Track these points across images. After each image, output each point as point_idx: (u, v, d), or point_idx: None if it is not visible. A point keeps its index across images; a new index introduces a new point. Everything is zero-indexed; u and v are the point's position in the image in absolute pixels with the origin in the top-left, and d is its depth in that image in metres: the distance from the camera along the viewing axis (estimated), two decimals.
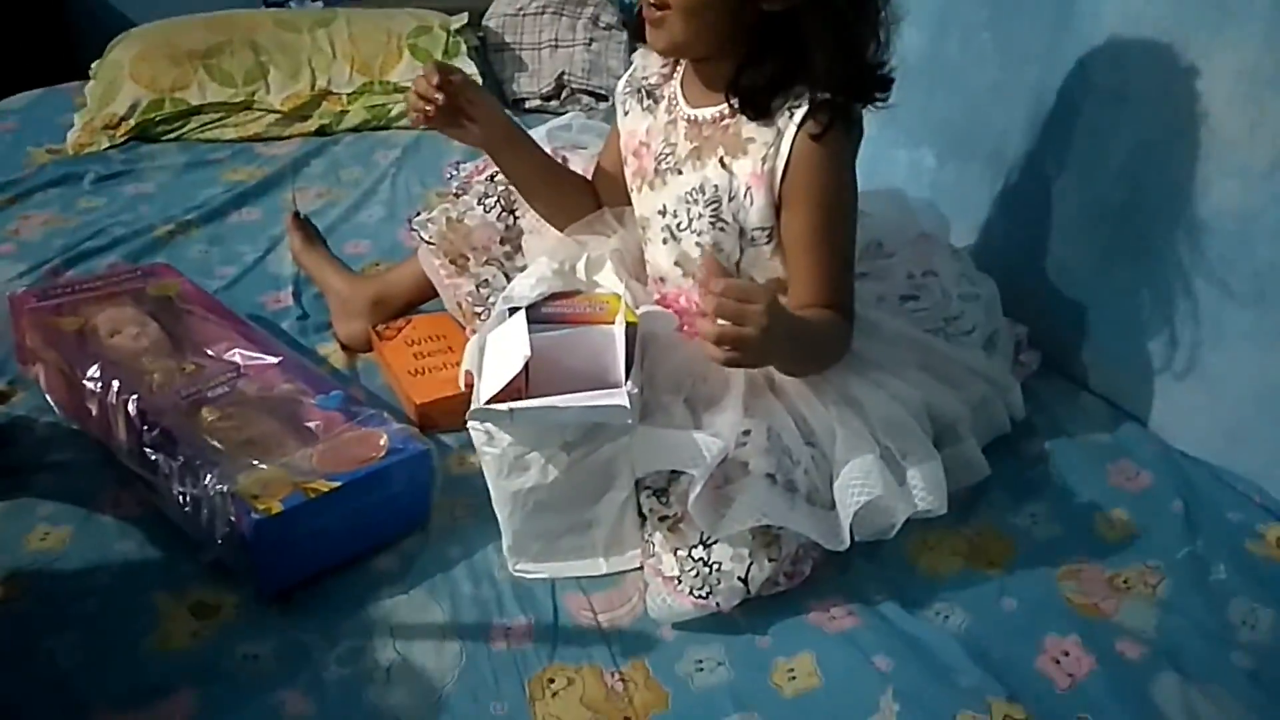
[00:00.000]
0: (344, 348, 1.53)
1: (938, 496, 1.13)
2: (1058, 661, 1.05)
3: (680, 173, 1.22)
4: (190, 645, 1.06)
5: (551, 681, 1.03)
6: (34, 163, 2.11)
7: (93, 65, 2.34)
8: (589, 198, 1.40)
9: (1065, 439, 1.36)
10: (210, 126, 2.24)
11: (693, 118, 1.22)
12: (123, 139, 2.19)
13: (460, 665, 1.04)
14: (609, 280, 1.22)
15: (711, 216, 1.19)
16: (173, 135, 2.23)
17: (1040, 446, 1.35)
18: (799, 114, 1.13)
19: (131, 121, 2.20)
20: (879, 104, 1.16)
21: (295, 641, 1.06)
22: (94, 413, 1.25)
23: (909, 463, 1.14)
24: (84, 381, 1.25)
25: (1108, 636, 1.08)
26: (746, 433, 1.11)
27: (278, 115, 2.26)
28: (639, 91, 1.30)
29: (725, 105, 1.18)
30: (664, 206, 1.24)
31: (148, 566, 1.16)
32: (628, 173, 1.31)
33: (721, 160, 1.18)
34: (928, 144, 1.74)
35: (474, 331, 1.35)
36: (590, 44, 2.49)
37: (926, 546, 1.19)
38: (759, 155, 1.15)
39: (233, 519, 1.08)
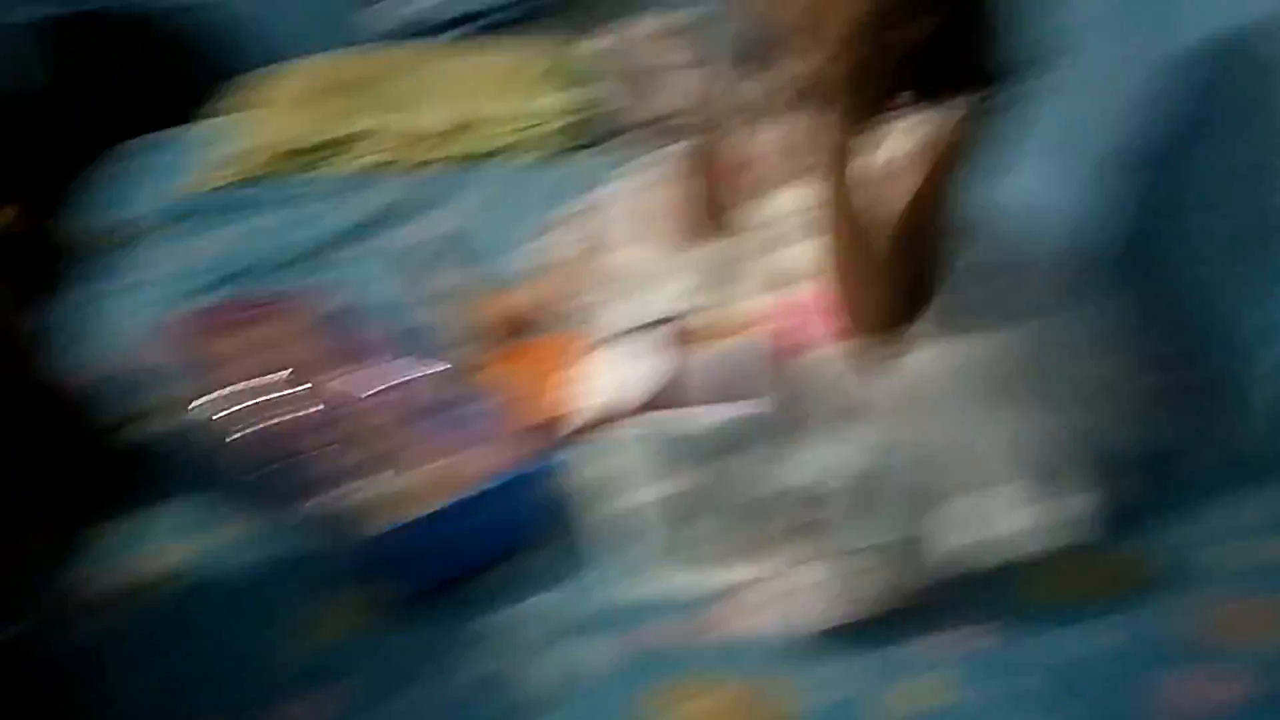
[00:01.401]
0: (475, 368, 1.55)
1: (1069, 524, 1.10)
2: (1187, 697, 1.00)
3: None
4: (319, 651, 1.10)
5: (679, 693, 1.03)
6: (176, 194, 2.18)
7: (225, 102, 2.44)
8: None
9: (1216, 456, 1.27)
10: (346, 158, 2.29)
11: None
12: (260, 172, 2.25)
13: (581, 675, 1.06)
14: (738, 293, 1.23)
15: None
16: (312, 168, 2.28)
17: (1188, 466, 1.25)
18: None
19: (268, 155, 2.26)
20: None
21: (425, 648, 1.10)
22: (236, 427, 1.31)
23: (1045, 491, 1.11)
24: (229, 398, 1.31)
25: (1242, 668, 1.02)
26: (879, 445, 1.09)
27: (416, 144, 2.29)
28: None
29: None
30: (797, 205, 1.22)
31: (277, 576, 1.20)
32: (751, 178, 1.30)
33: None
34: None
35: (601, 348, 1.36)
36: None
37: (1052, 571, 1.13)
38: None
39: (363, 528, 1.12)
